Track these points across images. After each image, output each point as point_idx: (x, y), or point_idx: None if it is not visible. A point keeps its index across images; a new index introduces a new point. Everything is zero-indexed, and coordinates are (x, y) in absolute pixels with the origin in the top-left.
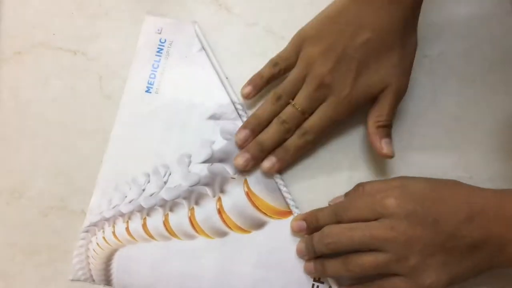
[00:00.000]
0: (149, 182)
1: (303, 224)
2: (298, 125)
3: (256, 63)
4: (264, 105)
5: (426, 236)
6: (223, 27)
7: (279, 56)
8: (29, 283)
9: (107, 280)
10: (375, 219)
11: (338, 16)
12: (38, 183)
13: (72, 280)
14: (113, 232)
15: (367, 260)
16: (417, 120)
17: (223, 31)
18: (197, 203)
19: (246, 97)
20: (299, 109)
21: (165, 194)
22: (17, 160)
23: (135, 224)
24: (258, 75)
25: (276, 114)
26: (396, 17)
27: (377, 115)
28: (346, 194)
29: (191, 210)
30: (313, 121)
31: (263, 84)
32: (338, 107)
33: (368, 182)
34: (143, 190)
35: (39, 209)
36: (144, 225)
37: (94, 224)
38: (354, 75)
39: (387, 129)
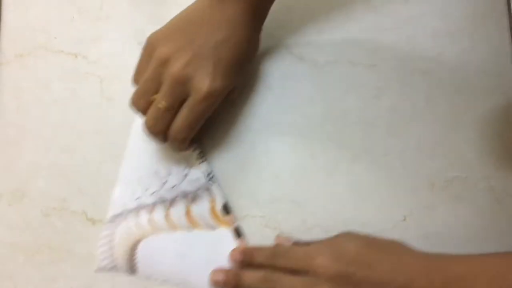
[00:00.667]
0: (170, 174)
1: (239, 257)
2: (167, 123)
3: None
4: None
5: None
6: None
7: (137, 72)
8: (31, 283)
9: (132, 269)
10: (305, 273)
11: (193, 17)
12: (40, 184)
13: (97, 270)
14: (137, 223)
15: None
16: (413, 121)
17: None
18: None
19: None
20: (162, 106)
21: (186, 186)
22: (19, 162)
23: (159, 215)
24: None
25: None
26: (242, 17)
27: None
28: (295, 243)
29: (212, 201)
30: (182, 119)
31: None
32: (203, 103)
33: (315, 242)
34: (165, 182)
35: (41, 209)
36: (167, 216)
37: (118, 216)
38: (212, 67)
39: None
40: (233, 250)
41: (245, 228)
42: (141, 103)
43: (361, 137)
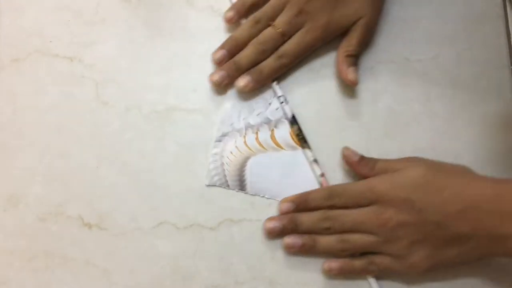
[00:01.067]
0: (274, 96)
1: (291, 206)
2: (275, 48)
3: None
4: (242, 28)
5: (412, 223)
6: (217, 33)
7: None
8: None
9: (241, 185)
10: (368, 205)
11: None
12: (35, 189)
13: (208, 185)
14: (245, 142)
15: (359, 238)
16: (410, 123)
17: (218, 37)
18: None
19: (228, 21)
20: (278, 30)
21: (288, 110)
22: (14, 167)
23: (264, 134)
24: (241, 1)
25: (254, 36)
26: None
27: (347, 45)
28: (361, 158)
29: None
30: (291, 45)
31: (245, 10)
32: (315, 33)
33: (381, 160)
34: (270, 104)
35: (37, 215)
36: (272, 136)
37: (226, 134)
38: (332, 5)
39: (354, 58)
40: (282, 201)
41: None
42: (260, 24)
43: (358, 139)
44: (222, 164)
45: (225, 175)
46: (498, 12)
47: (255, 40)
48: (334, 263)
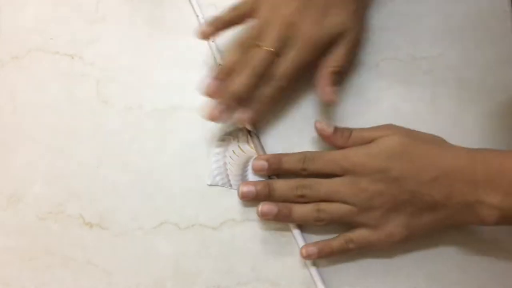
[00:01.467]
0: None
1: (265, 164)
2: (269, 68)
3: None
4: (229, 54)
5: (387, 192)
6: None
7: (239, 1)
8: None
9: None
10: (341, 174)
11: None
12: (36, 188)
13: (210, 185)
14: (247, 142)
15: (335, 208)
16: (416, 121)
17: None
18: None
19: (203, 36)
20: (269, 49)
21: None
22: (14, 165)
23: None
24: (219, 18)
25: (244, 61)
26: None
27: (334, 59)
28: (335, 129)
29: None
30: (285, 64)
31: (223, 27)
32: (308, 47)
33: (356, 130)
34: None
35: (37, 214)
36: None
37: (229, 134)
38: (320, 14)
39: (338, 75)
40: (257, 158)
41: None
42: (246, 45)
43: None
44: (225, 164)
45: (227, 175)
46: (504, 8)
47: (247, 64)
48: (311, 248)
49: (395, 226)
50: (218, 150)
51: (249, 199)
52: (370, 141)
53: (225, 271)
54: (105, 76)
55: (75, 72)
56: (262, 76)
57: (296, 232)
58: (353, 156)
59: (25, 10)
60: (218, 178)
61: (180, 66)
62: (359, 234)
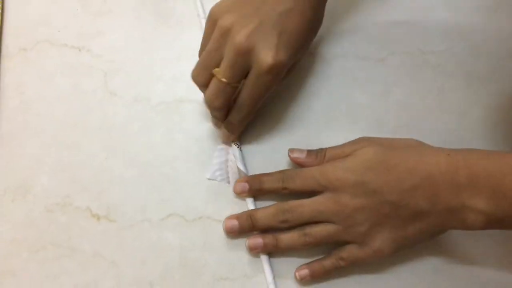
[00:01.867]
0: None
1: (246, 186)
2: (228, 99)
3: None
4: (194, 73)
5: (368, 206)
6: None
7: (201, 45)
8: (34, 280)
9: None
10: (321, 191)
11: None
12: (43, 180)
13: (209, 179)
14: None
15: (320, 230)
16: (424, 116)
17: None
18: None
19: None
20: (223, 80)
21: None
22: (22, 157)
23: None
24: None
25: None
26: None
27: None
28: (308, 153)
29: None
30: (244, 95)
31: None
32: (268, 75)
33: (330, 148)
34: None
35: (45, 206)
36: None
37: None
38: (276, 38)
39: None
40: (238, 181)
41: None
42: (201, 77)
43: (369, 132)
44: (227, 160)
45: (227, 171)
46: None
47: (204, 95)
48: (304, 270)
49: (382, 241)
50: (222, 146)
51: (235, 234)
52: (346, 156)
53: (232, 263)
54: (113, 68)
55: (82, 64)
56: (222, 105)
57: None
58: (330, 172)
59: (32, 2)
60: (217, 173)
61: (188, 59)
62: (349, 252)
